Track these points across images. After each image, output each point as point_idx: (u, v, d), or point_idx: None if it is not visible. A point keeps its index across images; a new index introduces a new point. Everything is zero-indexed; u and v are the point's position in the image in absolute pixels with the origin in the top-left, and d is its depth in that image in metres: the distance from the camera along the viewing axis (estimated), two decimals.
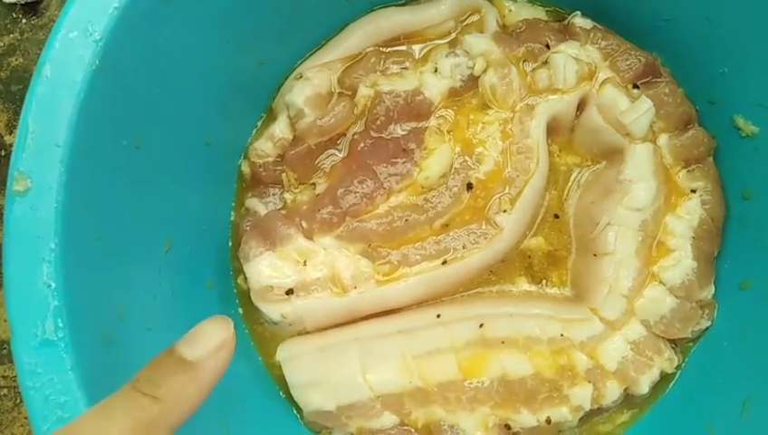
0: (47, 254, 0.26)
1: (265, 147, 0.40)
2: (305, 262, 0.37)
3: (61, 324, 0.26)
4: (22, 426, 0.43)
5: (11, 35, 0.46)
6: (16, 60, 0.46)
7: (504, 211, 0.38)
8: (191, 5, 0.31)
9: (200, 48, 0.34)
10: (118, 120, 0.29)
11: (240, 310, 0.40)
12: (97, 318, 0.28)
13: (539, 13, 0.42)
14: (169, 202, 0.35)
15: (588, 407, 0.37)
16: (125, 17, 0.28)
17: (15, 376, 0.43)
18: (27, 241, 0.26)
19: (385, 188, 0.39)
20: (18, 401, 0.44)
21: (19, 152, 0.27)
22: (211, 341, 0.23)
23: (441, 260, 0.38)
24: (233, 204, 0.41)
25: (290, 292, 0.37)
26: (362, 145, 0.39)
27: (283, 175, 0.40)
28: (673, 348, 0.39)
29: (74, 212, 0.27)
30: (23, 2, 0.46)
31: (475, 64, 0.39)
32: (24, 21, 0.46)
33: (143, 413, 0.21)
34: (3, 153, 0.46)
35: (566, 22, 0.41)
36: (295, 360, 0.37)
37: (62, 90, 0.27)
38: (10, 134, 0.46)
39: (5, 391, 0.44)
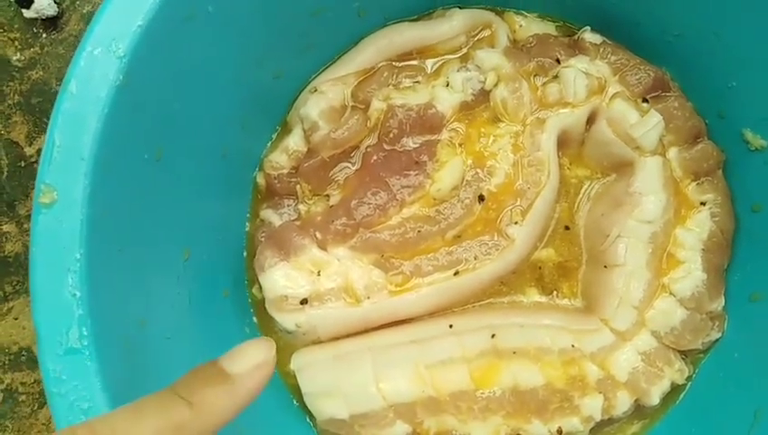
0: (72, 264, 0.27)
1: (280, 159, 0.41)
2: (319, 272, 0.38)
3: (85, 332, 0.26)
4: (39, 432, 0.44)
5: (31, 49, 0.47)
6: (36, 73, 0.47)
7: (516, 223, 0.39)
8: (210, 23, 0.32)
9: (218, 64, 0.35)
10: (140, 134, 0.30)
11: (255, 319, 0.41)
12: (119, 327, 0.29)
13: (549, 28, 0.43)
14: (187, 213, 0.35)
15: (598, 417, 0.38)
16: (148, 35, 0.29)
17: (33, 383, 0.44)
18: (53, 251, 0.27)
19: (398, 200, 0.39)
20: (36, 407, 0.44)
21: (45, 165, 0.27)
22: (252, 359, 0.24)
23: (453, 271, 0.39)
24: (248, 215, 0.42)
25: (304, 302, 0.38)
26: (375, 157, 0.40)
27: (298, 187, 0.41)
28: (683, 359, 0.39)
29: (98, 223, 0.28)
30: (43, 17, 0.47)
31: (486, 79, 0.39)
32: (44, 35, 0.47)
33: (176, 415, 0.22)
34: (23, 164, 0.46)
35: (576, 37, 0.42)
36: (309, 369, 0.38)
37: (87, 105, 0.28)
38: (30, 145, 0.47)
39: (24, 397, 0.44)
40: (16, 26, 0.47)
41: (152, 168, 0.31)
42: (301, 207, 0.41)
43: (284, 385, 0.40)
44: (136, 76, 0.29)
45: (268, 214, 0.41)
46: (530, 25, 0.42)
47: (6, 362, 0.44)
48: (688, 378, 0.39)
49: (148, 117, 0.30)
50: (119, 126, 0.28)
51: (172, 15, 0.30)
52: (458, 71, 0.40)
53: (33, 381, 0.44)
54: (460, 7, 0.42)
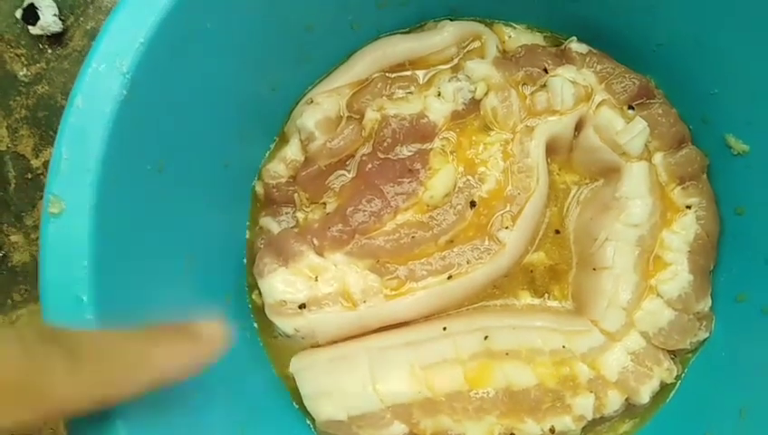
0: (80, 271, 0.28)
1: (278, 168, 0.42)
2: (317, 277, 0.39)
3: None
4: (50, 428, 0.45)
5: (37, 65, 0.49)
6: (42, 88, 0.48)
7: (507, 228, 0.40)
8: (209, 39, 0.34)
9: (217, 77, 0.36)
10: (143, 146, 0.31)
11: (255, 324, 0.42)
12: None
13: (537, 39, 0.44)
14: (189, 222, 0.37)
15: (590, 416, 0.39)
16: (150, 51, 0.30)
17: None
18: (61, 259, 0.28)
19: (392, 207, 0.40)
20: None
21: (53, 176, 0.29)
22: (220, 330, 0.28)
23: (446, 275, 0.40)
24: (247, 223, 0.43)
25: (302, 306, 0.39)
26: (370, 166, 0.41)
27: (296, 195, 0.42)
28: (672, 359, 0.40)
29: (104, 232, 0.29)
30: (48, 33, 0.48)
31: (476, 88, 0.41)
32: (49, 51, 0.49)
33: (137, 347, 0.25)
34: (30, 176, 0.48)
35: (563, 47, 0.43)
36: (308, 371, 0.39)
37: (92, 119, 0.29)
38: (36, 158, 0.48)
39: None
40: (23, 42, 0.49)
41: (155, 178, 0.33)
42: (298, 214, 0.42)
43: (284, 388, 0.41)
44: (139, 91, 0.30)
45: (267, 222, 0.42)
46: (518, 36, 0.44)
47: None
48: (677, 377, 0.40)
49: (150, 130, 0.32)
50: (123, 139, 0.30)
51: (173, 32, 0.31)
52: (449, 81, 0.41)
53: None
54: (451, 19, 0.43)
